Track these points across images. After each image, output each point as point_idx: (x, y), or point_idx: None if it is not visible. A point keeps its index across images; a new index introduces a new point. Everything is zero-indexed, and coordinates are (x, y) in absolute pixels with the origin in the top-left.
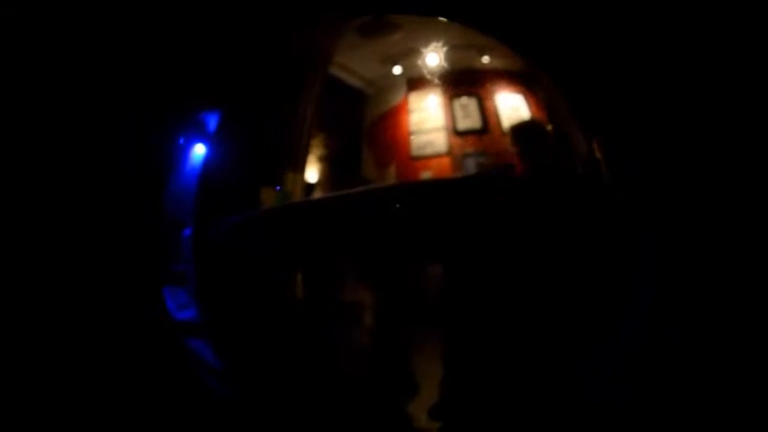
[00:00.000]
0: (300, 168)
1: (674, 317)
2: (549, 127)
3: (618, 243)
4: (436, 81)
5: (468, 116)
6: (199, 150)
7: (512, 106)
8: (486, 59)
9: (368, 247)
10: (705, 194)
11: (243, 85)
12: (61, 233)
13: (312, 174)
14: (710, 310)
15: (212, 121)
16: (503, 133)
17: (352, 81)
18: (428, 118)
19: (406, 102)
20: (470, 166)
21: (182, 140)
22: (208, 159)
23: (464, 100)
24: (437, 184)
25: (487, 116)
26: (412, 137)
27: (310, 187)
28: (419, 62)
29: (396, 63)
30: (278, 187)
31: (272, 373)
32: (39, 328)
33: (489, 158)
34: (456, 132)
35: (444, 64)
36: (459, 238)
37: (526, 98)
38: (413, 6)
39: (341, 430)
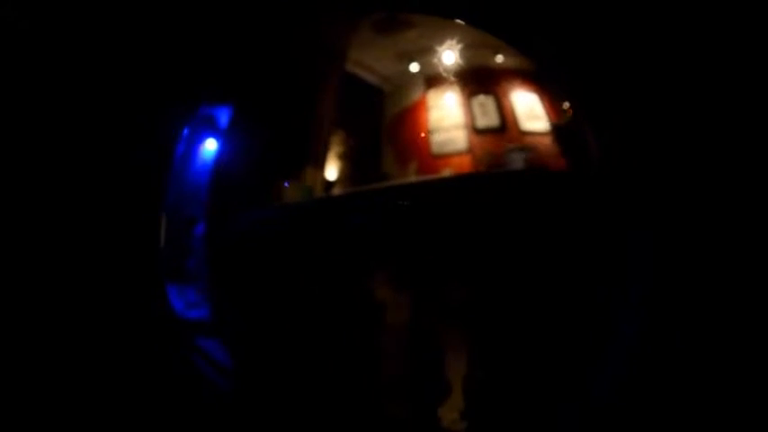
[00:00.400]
0: (320, 164)
1: (672, 317)
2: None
3: (615, 240)
4: (453, 79)
5: (487, 114)
6: (210, 145)
7: (527, 105)
8: (499, 58)
9: (403, 242)
10: (703, 193)
11: (256, 80)
12: (64, 230)
13: (332, 170)
14: (708, 309)
15: (224, 116)
16: (521, 131)
17: (369, 78)
18: (447, 116)
19: (424, 99)
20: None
21: (187, 133)
22: (222, 154)
23: (481, 98)
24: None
25: (505, 114)
26: (432, 135)
27: (330, 184)
28: (435, 60)
29: (412, 60)
30: (286, 183)
31: (286, 375)
32: (39, 325)
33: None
34: (475, 130)
35: (460, 62)
36: (510, 230)
37: (539, 97)
38: (426, 7)
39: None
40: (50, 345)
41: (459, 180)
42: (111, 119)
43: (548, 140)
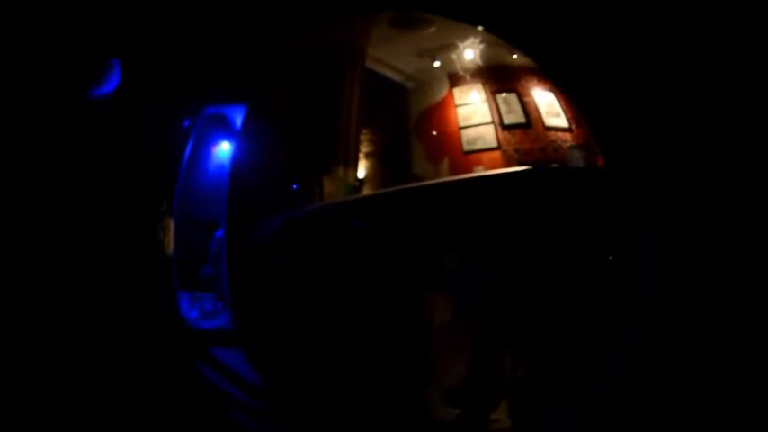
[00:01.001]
0: (351, 164)
1: (680, 316)
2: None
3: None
4: (477, 76)
5: (512, 111)
6: (224, 147)
7: (547, 102)
8: (516, 56)
9: (451, 239)
10: (708, 193)
11: (274, 78)
12: (66, 234)
13: (363, 169)
14: (715, 309)
15: (239, 117)
16: (545, 127)
17: (392, 75)
18: (475, 112)
19: (450, 96)
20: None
21: (198, 135)
22: (243, 156)
23: (504, 95)
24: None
25: (529, 111)
26: (462, 131)
27: (361, 183)
28: (455, 57)
29: (434, 57)
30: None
31: (312, 381)
32: (47, 332)
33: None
34: (503, 127)
35: (479, 59)
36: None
37: (556, 95)
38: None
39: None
40: (61, 351)
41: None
42: (117, 119)
43: (568, 137)
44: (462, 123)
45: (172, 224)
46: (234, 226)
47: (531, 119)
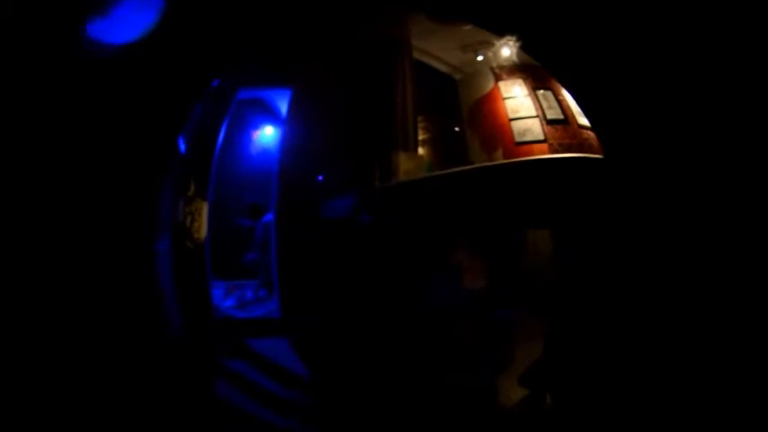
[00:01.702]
0: (412, 148)
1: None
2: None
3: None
4: (516, 72)
5: (551, 107)
6: (267, 132)
7: (574, 102)
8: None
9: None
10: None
11: (325, 63)
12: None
13: (424, 153)
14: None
15: (285, 102)
16: (579, 125)
17: (440, 66)
18: (521, 106)
19: (497, 89)
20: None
21: (233, 120)
22: (293, 141)
23: (542, 92)
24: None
25: (564, 108)
26: (512, 123)
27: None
28: (493, 53)
29: (476, 52)
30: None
31: (361, 373)
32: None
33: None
34: (546, 121)
35: (515, 57)
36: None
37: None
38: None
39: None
40: (87, 342)
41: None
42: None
43: (593, 135)
44: (511, 115)
45: (205, 208)
46: (287, 210)
47: (568, 116)
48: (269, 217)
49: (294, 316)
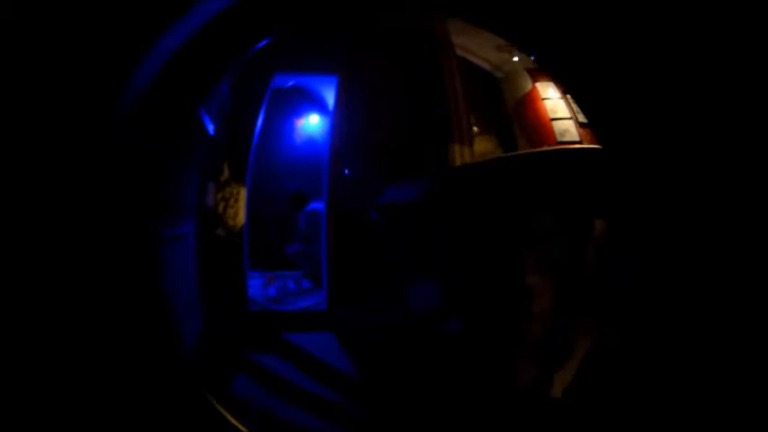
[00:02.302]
0: (466, 140)
1: None
2: None
3: None
4: (548, 74)
5: (579, 111)
6: (313, 121)
7: None
8: None
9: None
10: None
11: (371, 54)
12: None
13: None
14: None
15: (333, 92)
16: None
17: (481, 63)
18: (558, 107)
19: (536, 89)
20: None
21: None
22: (345, 130)
23: (570, 96)
24: None
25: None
26: (553, 123)
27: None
28: (523, 55)
29: (511, 52)
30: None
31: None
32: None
33: None
34: (579, 123)
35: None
36: None
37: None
38: None
39: None
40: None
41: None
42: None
43: None
44: (551, 116)
45: (243, 194)
46: (338, 199)
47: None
48: (315, 206)
49: (344, 308)
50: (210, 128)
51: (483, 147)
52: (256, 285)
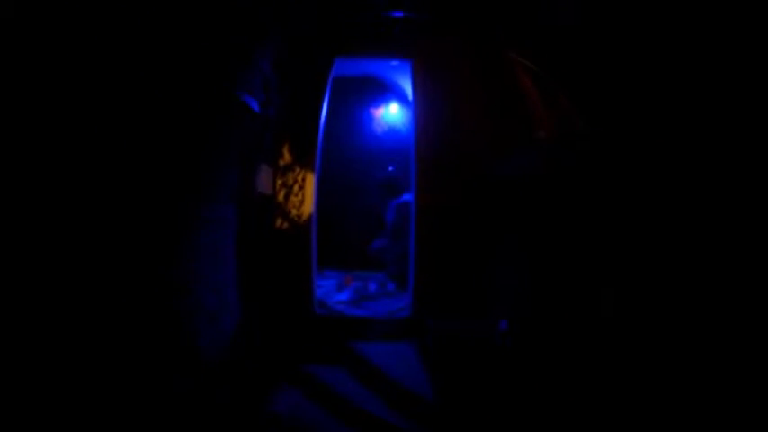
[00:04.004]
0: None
1: None
2: None
3: None
4: None
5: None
6: (393, 110)
7: None
8: None
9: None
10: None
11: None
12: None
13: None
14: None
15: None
16: None
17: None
18: None
19: None
20: None
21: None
22: (434, 120)
23: None
24: None
25: None
26: None
27: None
28: None
29: None
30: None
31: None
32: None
33: None
34: None
35: None
36: None
37: None
38: None
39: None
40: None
41: None
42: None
43: None
44: None
45: (311, 181)
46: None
47: None
48: (405, 198)
49: (433, 317)
50: (260, 109)
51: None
52: (329, 286)
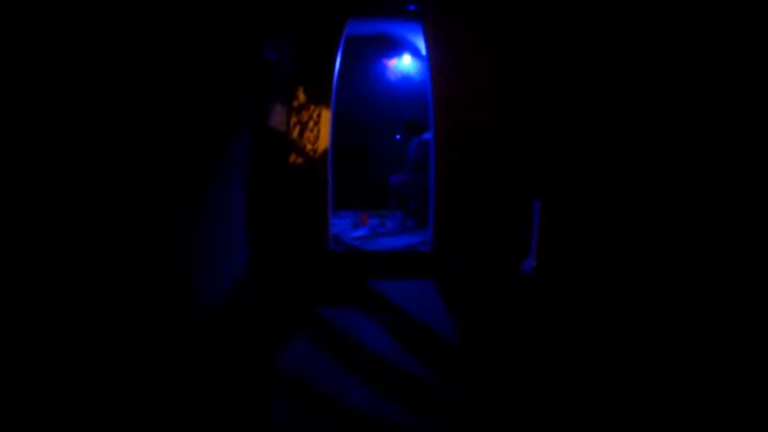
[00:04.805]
0: None
1: None
2: None
3: None
4: None
5: None
6: (406, 62)
7: None
8: None
9: None
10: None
11: None
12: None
13: None
14: None
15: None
16: None
17: None
18: None
19: None
20: None
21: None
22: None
23: None
24: None
25: None
26: None
27: None
28: None
29: None
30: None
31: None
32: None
33: None
34: None
35: None
36: None
37: None
38: None
39: None
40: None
41: None
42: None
43: None
44: None
45: (327, 116)
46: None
47: None
48: (427, 136)
49: (454, 250)
50: (271, 55)
51: None
52: (345, 224)
